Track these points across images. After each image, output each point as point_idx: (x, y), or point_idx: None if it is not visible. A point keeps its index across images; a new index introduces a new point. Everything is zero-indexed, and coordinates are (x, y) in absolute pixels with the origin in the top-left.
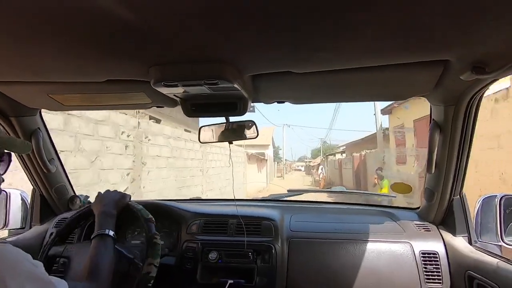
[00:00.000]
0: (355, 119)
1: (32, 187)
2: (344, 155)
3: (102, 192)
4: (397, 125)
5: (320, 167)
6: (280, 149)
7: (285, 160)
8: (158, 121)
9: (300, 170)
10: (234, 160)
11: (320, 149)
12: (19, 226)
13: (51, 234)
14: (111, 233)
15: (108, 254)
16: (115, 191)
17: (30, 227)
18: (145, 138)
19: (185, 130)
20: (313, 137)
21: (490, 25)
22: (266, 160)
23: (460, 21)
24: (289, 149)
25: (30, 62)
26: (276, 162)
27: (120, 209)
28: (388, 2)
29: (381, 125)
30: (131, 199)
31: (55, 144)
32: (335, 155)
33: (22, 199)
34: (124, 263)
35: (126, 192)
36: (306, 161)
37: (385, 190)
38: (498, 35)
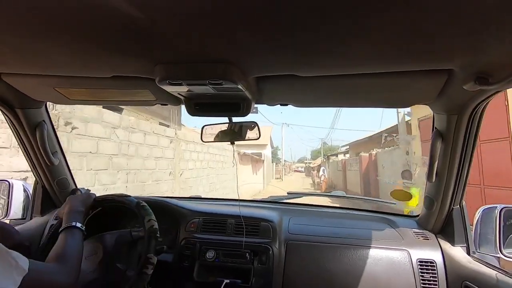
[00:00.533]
0: (358, 118)
1: (34, 179)
2: (347, 155)
3: (69, 198)
4: (423, 116)
5: (322, 168)
6: (279, 150)
7: (284, 161)
8: (119, 110)
9: (300, 171)
10: (221, 159)
11: (320, 150)
12: (20, 217)
13: (52, 225)
14: (78, 224)
15: (76, 242)
16: (80, 193)
17: (31, 218)
18: (66, 124)
19: (160, 124)
20: (314, 137)
21: (494, 35)
22: (263, 160)
23: (464, 31)
24: (289, 149)
25: (38, 56)
26: (274, 163)
27: (88, 205)
28: (393, 9)
29: (403, 116)
30: (137, 195)
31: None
32: (337, 156)
33: (24, 190)
34: (125, 234)
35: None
36: (306, 162)
37: (413, 203)
38: (502, 46)
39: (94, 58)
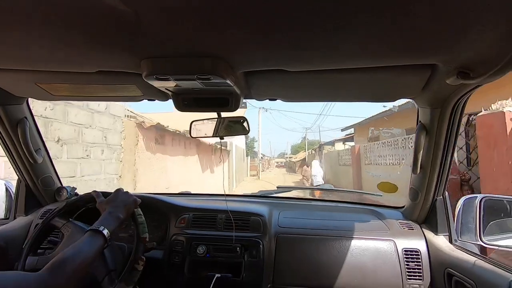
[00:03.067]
0: (347, 106)
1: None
2: (350, 144)
3: (119, 191)
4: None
5: (315, 162)
6: (256, 141)
7: (262, 155)
8: None
9: (283, 166)
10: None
11: (302, 144)
12: (2, 217)
13: (36, 225)
14: (106, 232)
15: (89, 251)
16: (127, 192)
17: (15, 218)
18: None
19: None
20: (297, 125)
21: (475, 33)
22: (228, 151)
23: (445, 26)
24: (267, 142)
25: (19, 50)
26: (249, 157)
27: (128, 214)
28: (378, 6)
29: None
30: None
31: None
32: (333, 145)
33: (6, 189)
34: (101, 271)
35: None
36: (287, 157)
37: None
38: (482, 42)
39: (78, 52)
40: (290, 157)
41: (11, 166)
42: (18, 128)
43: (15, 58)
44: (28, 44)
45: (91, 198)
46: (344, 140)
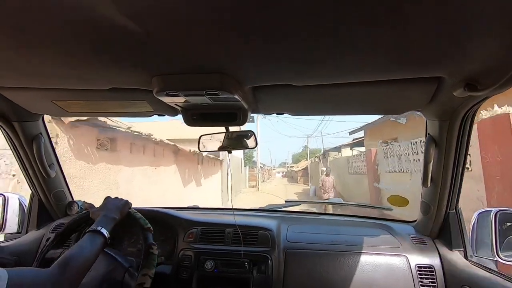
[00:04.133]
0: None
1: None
2: (354, 150)
3: (108, 198)
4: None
5: (327, 172)
6: (255, 150)
7: (263, 164)
8: None
9: (284, 176)
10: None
11: (303, 153)
12: (15, 231)
13: (48, 239)
14: (104, 231)
15: (91, 249)
16: (117, 197)
17: (27, 232)
18: None
19: None
20: (299, 132)
21: (480, 45)
22: (221, 160)
23: (451, 39)
24: (267, 151)
25: (35, 69)
26: (247, 167)
27: (122, 215)
28: (383, 21)
29: None
30: (139, 207)
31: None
32: (339, 151)
33: (20, 203)
34: (120, 271)
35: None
36: (288, 167)
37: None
38: (487, 53)
39: (91, 71)
40: (291, 167)
41: (25, 183)
42: (33, 144)
43: (32, 77)
44: (43, 64)
45: (82, 219)
46: (352, 146)
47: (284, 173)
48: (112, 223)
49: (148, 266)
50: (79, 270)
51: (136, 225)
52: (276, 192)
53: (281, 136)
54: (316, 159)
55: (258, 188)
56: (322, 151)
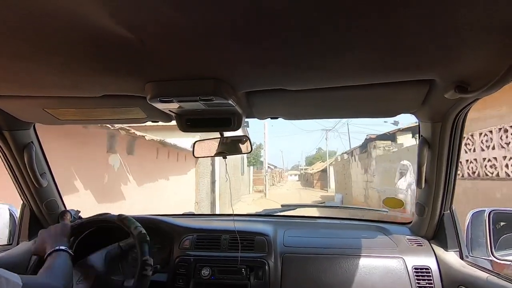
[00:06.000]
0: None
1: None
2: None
3: (41, 232)
4: None
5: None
6: (262, 149)
7: (272, 166)
8: None
9: (298, 179)
10: None
11: (317, 155)
12: (5, 243)
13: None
14: (63, 247)
15: (63, 262)
16: (49, 228)
17: (18, 243)
18: None
19: None
20: (317, 124)
21: (469, 49)
22: (182, 150)
23: (442, 42)
24: (279, 152)
25: (26, 77)
26: (251, 168)
27: (67, 234)
28: (375, 27)
29: None
30: (129, 214)
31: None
32: (393, 141)
33: (10, 214)
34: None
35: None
36: (301, 169)
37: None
38: (477, 57)
39: (84, 78)
40: (306, 169)
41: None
42: (24, 153)
43: (24, 85)
44: (36, 72)
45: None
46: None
47: (297, 176)
48: (62, 240)
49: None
50: (67, 277)
51: (130, 237)
52: (288, 199)
53: (294, 137)
54: (346, 157)
55: (265, 194)
56: (350, 146)
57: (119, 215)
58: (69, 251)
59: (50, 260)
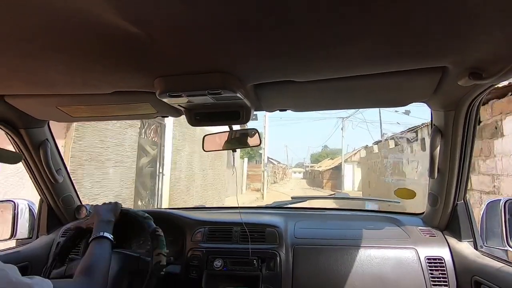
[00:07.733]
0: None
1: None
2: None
3: (97, 206)
4: None
5: None
6: (262, 138)
7: (275, 161)
8: None
9: (303, 177)
10: None
11: (323, 153)
12: (26, 236)
13: (58, 243)
14: (107, 234)
15: (104, 254)
16: (105, 203)
17: (37, 237)
18: None
19: None
20: (327, 115)
21: (482, 33)
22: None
23: (453, 28)
24: (284, 147)
25: (39, 76)
26: (245, 160)
27: (117, 216)
28: (384, 13)
29: None
30: (130, 207)
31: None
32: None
33: (29, 209)
34: (133, 262)
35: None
36: (306, 166)
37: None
38: (492, 41)
39: (95, 76)
40: (312, 166)
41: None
42: (40, 150)
43: (37, 84)
44: (47, 71)
45: (78, 233)
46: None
47: (302, 173)
48: (110, 225)
49: (158, 246)
50: (102, 273)
51: (137, 221)
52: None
53: (300, 134)
54: (376, 148)
55: (263, 194)
56: (381, 135)
57: (155, 228)
58: (111, 238)
59: (91, 248)
